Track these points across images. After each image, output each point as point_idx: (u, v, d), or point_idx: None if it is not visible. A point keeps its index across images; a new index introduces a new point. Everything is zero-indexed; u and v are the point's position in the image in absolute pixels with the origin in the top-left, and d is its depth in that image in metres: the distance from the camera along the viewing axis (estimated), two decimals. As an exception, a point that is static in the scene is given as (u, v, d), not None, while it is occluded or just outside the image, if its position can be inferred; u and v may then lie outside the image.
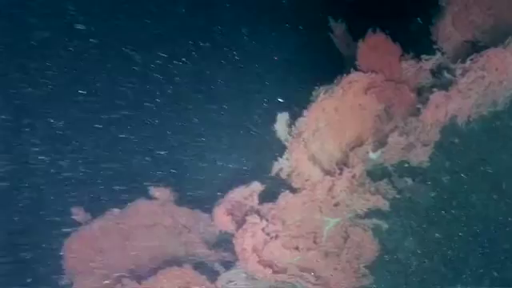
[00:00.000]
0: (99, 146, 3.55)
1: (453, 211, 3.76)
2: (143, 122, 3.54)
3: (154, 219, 3.70)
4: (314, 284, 3.34)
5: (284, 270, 3.28)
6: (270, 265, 3.17)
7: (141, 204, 3.59)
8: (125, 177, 3.54)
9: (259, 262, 3.07)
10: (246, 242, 3.02)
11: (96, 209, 3.62)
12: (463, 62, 3.36)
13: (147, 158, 3.56)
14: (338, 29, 3.92)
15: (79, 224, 3.65)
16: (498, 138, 3.84)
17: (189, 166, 3.58)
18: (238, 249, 3.06)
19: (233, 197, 3.27)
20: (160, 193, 3.59)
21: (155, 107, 3.60)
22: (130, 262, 3.72)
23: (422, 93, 3.77)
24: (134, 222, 3.70)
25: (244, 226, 3.07)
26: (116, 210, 3.62)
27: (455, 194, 3.78)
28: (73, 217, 3.67)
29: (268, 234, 3.29)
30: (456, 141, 3.87)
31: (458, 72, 3.37)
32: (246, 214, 3.32)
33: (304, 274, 3.33)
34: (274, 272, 3.17)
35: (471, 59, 3.33)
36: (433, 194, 3.80)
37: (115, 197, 3.53)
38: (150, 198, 3.60)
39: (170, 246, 3.74)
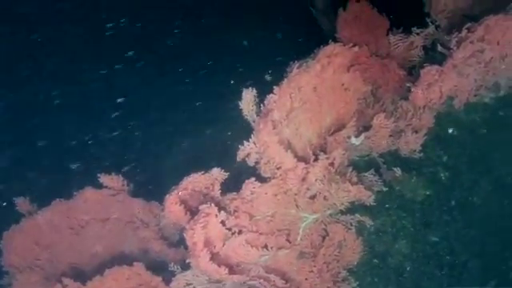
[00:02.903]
0: (43, 128, 3.14)
1: (451, 212, 3.35)
2: (91, 103, 3.12)
3: (107, 212, 3.28)
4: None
5: (246, 271, 2.80)
6: (227, 264, 2.70)
7: (89, 194, 3.16)
8: (71, 162, 3.11)
9: (213, 259, 2.59)
10: (197, 234, 2.56)
11: (41, 198, 3.20)
12: (459, 32, 2.89)
13: (94, 141, 3.14)
14: (320, 2, 3.51)
15: (22, 216, 3.23)
16: (502, 131, 3.43)
17: (143, 150, 3.14)
18: (188, 243, 2.60)
19: (189, 184, 2.80)
20: (111, 181, 3.16)
21: (111, 88, 3.19)
22: (80, 259, 3.29)
23: (413, 73, 3.34)
24: (85, 214, 3.28)
25: (195, 217, 2.60)
26: (63, 200, 3.19)
27: (454, 193, 3.39)
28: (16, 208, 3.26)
29: (229, 229, 2.82)
30: (455, 133, 3.48)
31: (453, 43, 2.89)
32: (205, 205, 2.86)
33: (271, 275, 2.85)
34: (232, 272, 2.68)
35: (467, 28, 2.86)
36: (428, 192, 3.38)
37: (60, 185, 3.09)
38: (100, 186, 3.15)
39: (125, 243, 3.32)
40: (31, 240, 3.27)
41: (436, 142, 3.46)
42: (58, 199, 3.26)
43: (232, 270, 2.76)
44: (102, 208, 3.26)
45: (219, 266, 2.63)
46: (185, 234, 2.61)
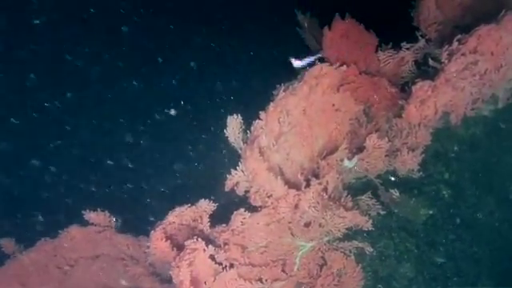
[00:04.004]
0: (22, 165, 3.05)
1: (456, 230, 3.22)
2: (73, 133, 3.03)
3: (95, 249, 3.16)
4: (277, 323, 2.71)
5: (240, 307, 2.66)
6: (218, 301, 2.55)
7: (75, 232, 3.05)
8: (54, 201, 3.00)
9: (202, 297, 2.46)
10: (183, 271, 2.42)
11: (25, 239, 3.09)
12: (449, 44, 2.76)
13: (79, 178, 3.04)
14: (307, 22, 3.40)
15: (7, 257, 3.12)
16: (504, 143, 3.31)
17: (128, 183, 3.03)
18: (175, 281, 2.47)
19: (176, 218, 2.67)
20: (97, 218, 3.04)
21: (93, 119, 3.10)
22: (69, 301, 3.16)
23: (406, 89, 3.21)
24: (72, 253, 3.16)
25: (181, 253, 2.47)
26: (48, 240, 3.08)
27: (458, 210, 3.25)
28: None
29: (220, 263, 2.68)
30: (455, 148, 3.32)
31: (444, 57, 2.76)
32: (194, 240, 2.73)
33: (265, 310, 2.71)
34: (223, 310, 2.54)
35: (458, 40, 2.72)
36: (431, 211, 3.24)
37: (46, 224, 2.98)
38: (86, 224, 3.04)
39: (115, 281, 3.18)
40: (18, 282, 3.14)
41: (436, 158, 3.32)
42: (43, 238, 3.13)
43: (224, 307, 2.61)
44: (90, 246, 3.14)
45: (209, 304, 2.48)
46: (171, 272, 2.47)
